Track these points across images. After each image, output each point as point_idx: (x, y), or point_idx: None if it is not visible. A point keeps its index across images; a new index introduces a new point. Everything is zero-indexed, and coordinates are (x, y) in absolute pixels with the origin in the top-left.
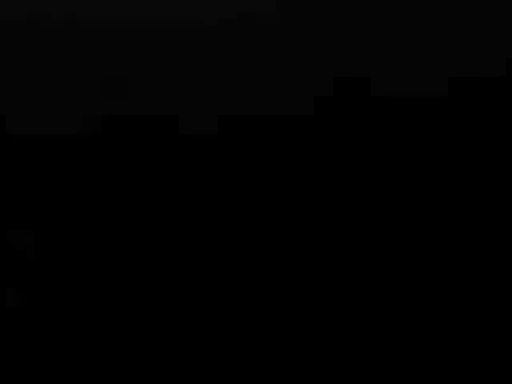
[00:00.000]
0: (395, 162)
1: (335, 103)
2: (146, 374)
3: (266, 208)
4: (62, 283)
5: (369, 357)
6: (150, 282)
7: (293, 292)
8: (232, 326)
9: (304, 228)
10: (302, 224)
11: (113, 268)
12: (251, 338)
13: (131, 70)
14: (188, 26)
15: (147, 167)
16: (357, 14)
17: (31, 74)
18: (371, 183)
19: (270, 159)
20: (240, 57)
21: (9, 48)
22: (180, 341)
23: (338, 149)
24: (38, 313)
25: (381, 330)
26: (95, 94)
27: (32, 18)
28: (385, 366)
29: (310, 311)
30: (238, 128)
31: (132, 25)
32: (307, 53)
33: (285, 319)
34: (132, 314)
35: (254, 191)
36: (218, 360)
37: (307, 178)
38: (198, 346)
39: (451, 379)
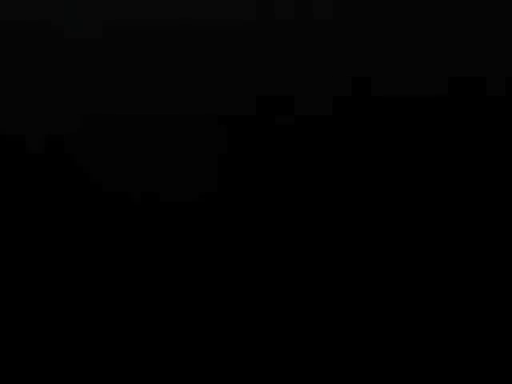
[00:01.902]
0: (395, 162)
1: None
2: (141, 374)
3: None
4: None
5: (369, 357)
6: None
7: (292, 292)
8: (232, 325)
9: (309, 226)
10: (306, 222)
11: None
12: (251, 338)
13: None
14: (194, 25)
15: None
16: (356, 14)
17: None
18: (375, 183)
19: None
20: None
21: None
22: (178, 341)
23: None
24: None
25: (380, 330)
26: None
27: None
28: (385, 366)
29: (309, 311)
30: (237, 128)
31: (120, 25)
32: (307, 53)
33: (284, 319)
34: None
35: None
36: (218, 360)
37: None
38: (197, 345)
39: (451, 379)
